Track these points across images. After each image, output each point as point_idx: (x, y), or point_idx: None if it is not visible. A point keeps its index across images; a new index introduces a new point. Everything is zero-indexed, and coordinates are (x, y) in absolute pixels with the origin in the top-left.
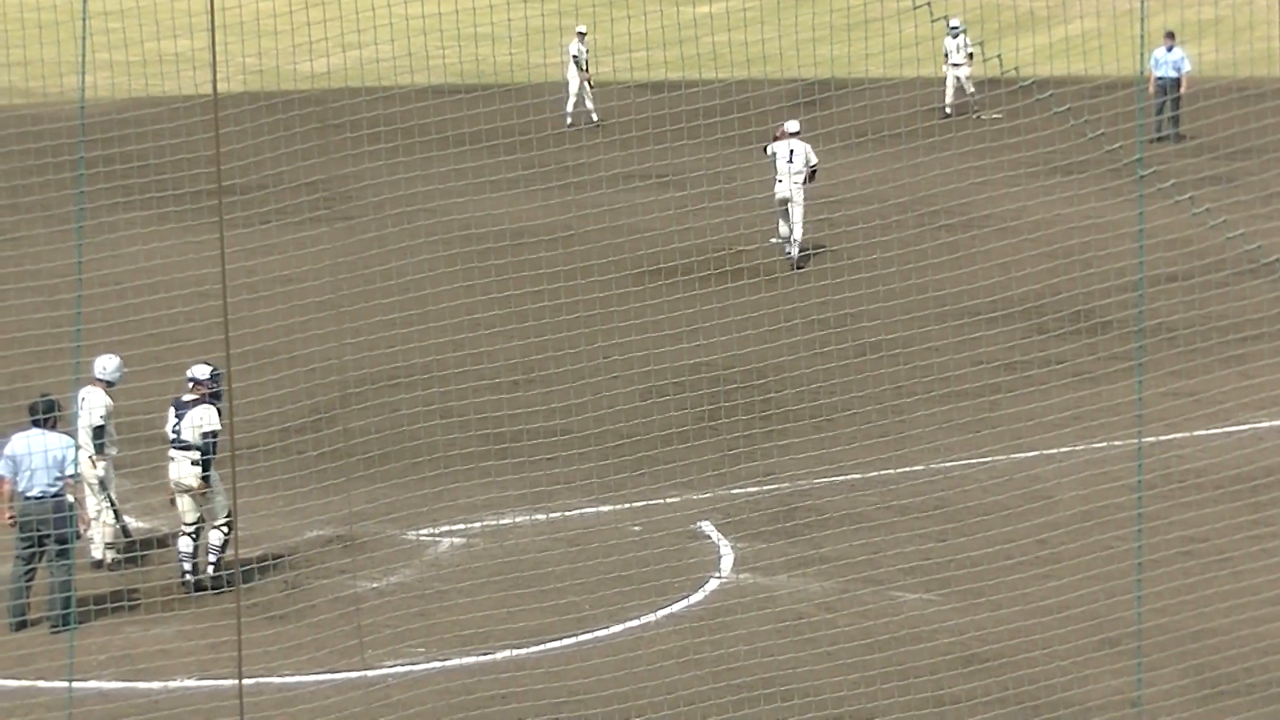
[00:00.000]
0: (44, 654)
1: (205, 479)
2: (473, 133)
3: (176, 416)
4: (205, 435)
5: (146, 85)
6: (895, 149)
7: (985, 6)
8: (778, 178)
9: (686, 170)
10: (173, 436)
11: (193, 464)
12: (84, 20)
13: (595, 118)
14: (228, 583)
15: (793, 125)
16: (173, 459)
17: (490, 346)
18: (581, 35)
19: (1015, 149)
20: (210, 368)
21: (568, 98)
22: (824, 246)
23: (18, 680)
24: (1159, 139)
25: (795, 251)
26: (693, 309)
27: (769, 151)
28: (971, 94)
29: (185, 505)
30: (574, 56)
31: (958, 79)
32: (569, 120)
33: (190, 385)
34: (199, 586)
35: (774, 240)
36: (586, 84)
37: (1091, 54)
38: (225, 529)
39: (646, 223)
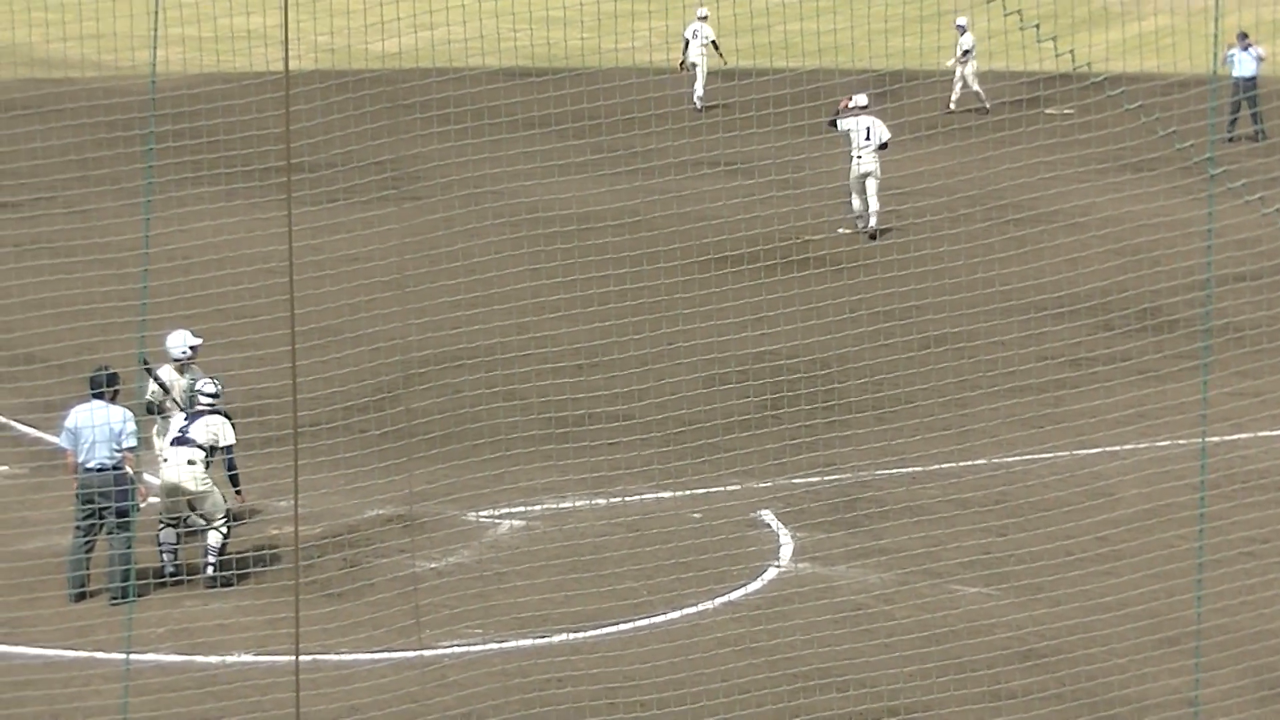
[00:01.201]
0: (102, 626)
1: (205, 480)
2: (542, 116)
3: (187, 419)
4: (227, 449)
5: (218, 61)
6: (965, 141)
7: (1059, 2)
8: (855, 154)
9: (755, 158)
10: (176, 436)
11: (190, 463)
12: None
13: (699, 102)
14: (223, 583)
15: (861, 99)
16: (166, 460)
17: (554, 330)
18: (704, 18)
19: (1086, 145)
20: (216, 384)
21: (696, 79)
22: (891, 238)
23: (76, 651)
24: (1231, 139)
25: (875, 222)
26: (758, 297)
27: (839, 126)
28: (977, 91)
29: (174, 508)
30: (695, 39)
31: (964, 77)
32: (699, 105)
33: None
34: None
35: (850, 217)
36: (704, 67)
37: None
38: (224, 529)
39: (714, 210)
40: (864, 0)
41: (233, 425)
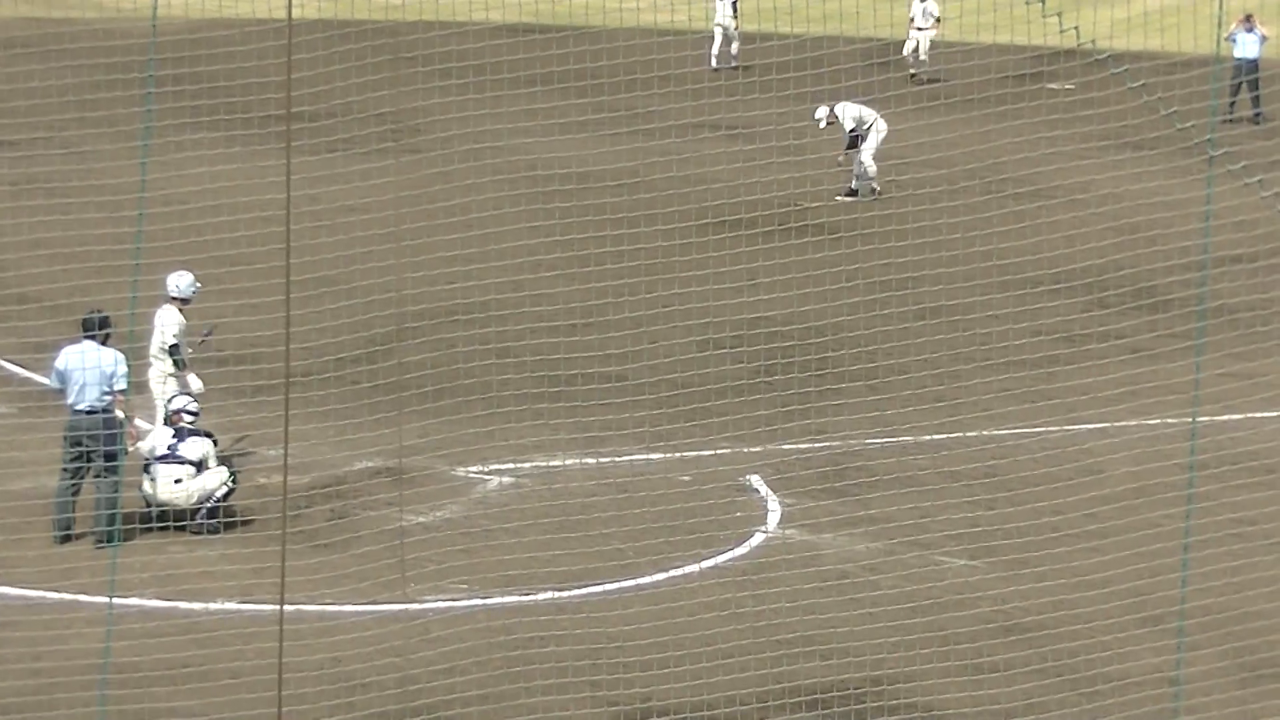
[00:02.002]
0: (87, 569)
1: (194, 493)
2: (545, 73)
3: (175, 438)
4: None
5: (220, 6)
6: (966, 114)
7: None
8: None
9: (756, 123)
10: (164, 453)
11: (177, 481)
12: None
13: (735, 60)
14: (210, 530)
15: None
16: (154, 478)
17: (550, 289)
18: None
19: (1086, 121)
20: (194, 404)
21: (714, 41)
22: (890, 207)
23: (59, 594)
24: (1231, 120)
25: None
26: (754, 263)
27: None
28: (924, 60)
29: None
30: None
31: (917, 43)
32: (715, 64)
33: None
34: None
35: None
36: (734, 27)
37: (1168, 30)
38: (231, 484)
39: (714, 174)
40: None
41: (214, 442)
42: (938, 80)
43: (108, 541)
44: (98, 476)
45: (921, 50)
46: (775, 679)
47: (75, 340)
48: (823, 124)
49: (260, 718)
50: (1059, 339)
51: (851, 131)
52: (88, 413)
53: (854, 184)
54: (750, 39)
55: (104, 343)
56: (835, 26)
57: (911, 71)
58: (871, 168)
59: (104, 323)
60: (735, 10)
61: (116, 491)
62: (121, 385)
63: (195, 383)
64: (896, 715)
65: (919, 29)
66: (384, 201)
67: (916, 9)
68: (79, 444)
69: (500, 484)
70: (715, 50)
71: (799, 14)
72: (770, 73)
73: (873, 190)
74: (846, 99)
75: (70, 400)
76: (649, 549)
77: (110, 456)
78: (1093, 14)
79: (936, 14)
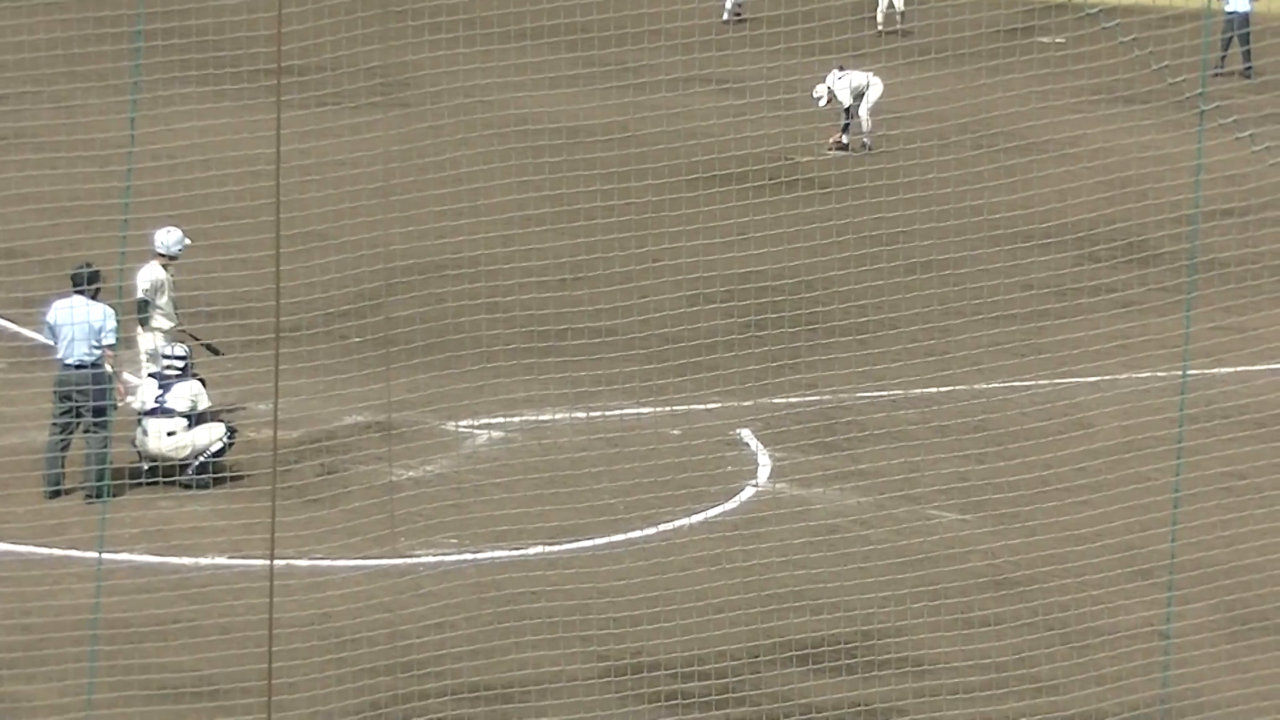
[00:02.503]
0: (77, 524)
1: (186, 444)
2: (535, 27)
3: (161, 388)
4: (203, 412)
5: None
6: (957, 69)
7: None
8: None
9: (747, 78)
10: (153, 406)
11: (170, 434)
12: None
13: (740, 12)
14: (199, 486)
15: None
16: (146, 432)
17: (540, 244)
18: None
19: (1078, 76)
20: (185, 348)
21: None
22: (881, 161)
23: (49, 549)
24: (1221, 73)
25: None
26: (745, 217)
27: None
28: (900, 14)
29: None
30: None
31: (890, 2)
32: (726, 17)
33: (164, 361)
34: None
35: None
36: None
37: None
38: (228, 436)
39: (704, 128)
40: None
41: (204, 385)
42: (911, 34)
43: (97, 496)
44: (87, 431)
45: (898, 4)
46: (766, 633)
47: (65, 295)
48: (822, 103)
49: (251, 673)
50: (1049, 293)
51: (848, 107)
52: (76, 367)
53: (844, 138)
54: None
55: (94, 297)
56: None
57: (881, 28)
58: (867, 123)
59: (93, 277)
60: None
61: (106, 446)
62: (110, 340)
63: (145, 342)
64: (887, 669)
65: None
66: (374, 156)
67: None
68: (68, 399)
69: (490, 438)
70: (729, 3)
71: None
72: (760, 27)
73: (864, 145)
74: (838, 67)
75: (59, 355)
76: (639, 504)
77: (99, 411)
78: None
79: None
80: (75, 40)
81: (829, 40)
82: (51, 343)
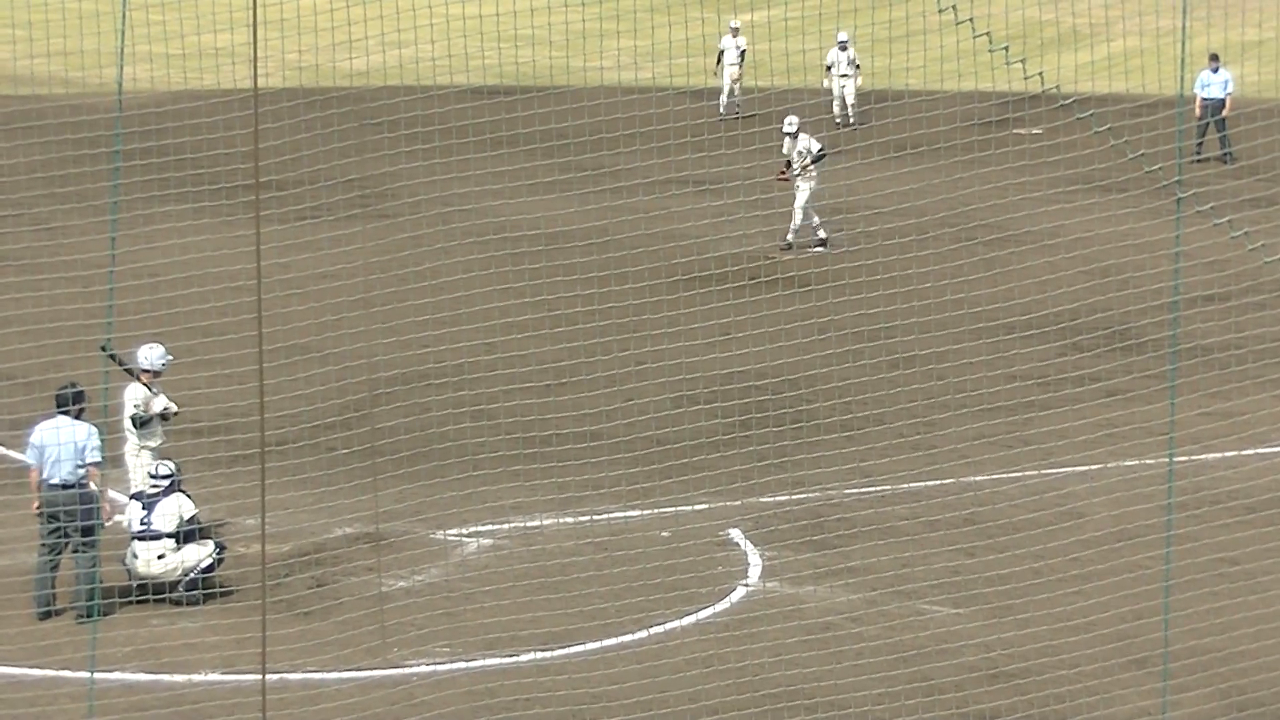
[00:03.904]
0: (68, 645)
1: (176, 566)
2: (512, 135)
3: (145, 508)
4: (190, 520)
5: (187, 79)
6: (935, 163)
7: (1028, 22)
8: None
9: (725, 178)
10: (139, 530)
11: (160, 557)
12: (124, 12)
13: (737, 109)
14: (190, 602)
15: (792, 121)
16: (136, 555)
17: (524, 350)
18: (735, 30)
19: (1055, 166)
20: (170, 466)
21: (722, 90)
22: (861, 257)
23: (41, 670)
24: (1199, 160)
25: (792, 237)
26: (727, 317)
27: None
28: (851, 105)
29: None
30: (728, 50)
31: (843, 90)
32: (723, 110)
33: (150, 480)
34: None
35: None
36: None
37: (1134, 73)
38: (218, 552)
39: (683, 230)
40: (833, 21)
41: (189, 496)
42: (883, 124)
43: (88, 616)
44: (75, 551)
45: (849, 97)
46: None
47: (50, 415)
48: (791, 127)
49: None
50: (1034, 383)
51: (819, 153)
52: (62, 487)
53: (789, 238)
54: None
55: (77, 417)
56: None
57: (837, 121)
58: (798, 218)
59: (77, 397)
60: (741, 61)
61: (95, 566)
62: (95, 458)
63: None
64: None
65: (843, 76)
66: (355, 267)
67: (837, 57)
68: (55, 519)
69: (480, 546)
70: (724, 99)
71: (764, 68)
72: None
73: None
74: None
75: (45, 475)
76: (631, 607)
77: (87, 531)
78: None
79: (858, 62)
80: (55, 162)
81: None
82: (34, 463)
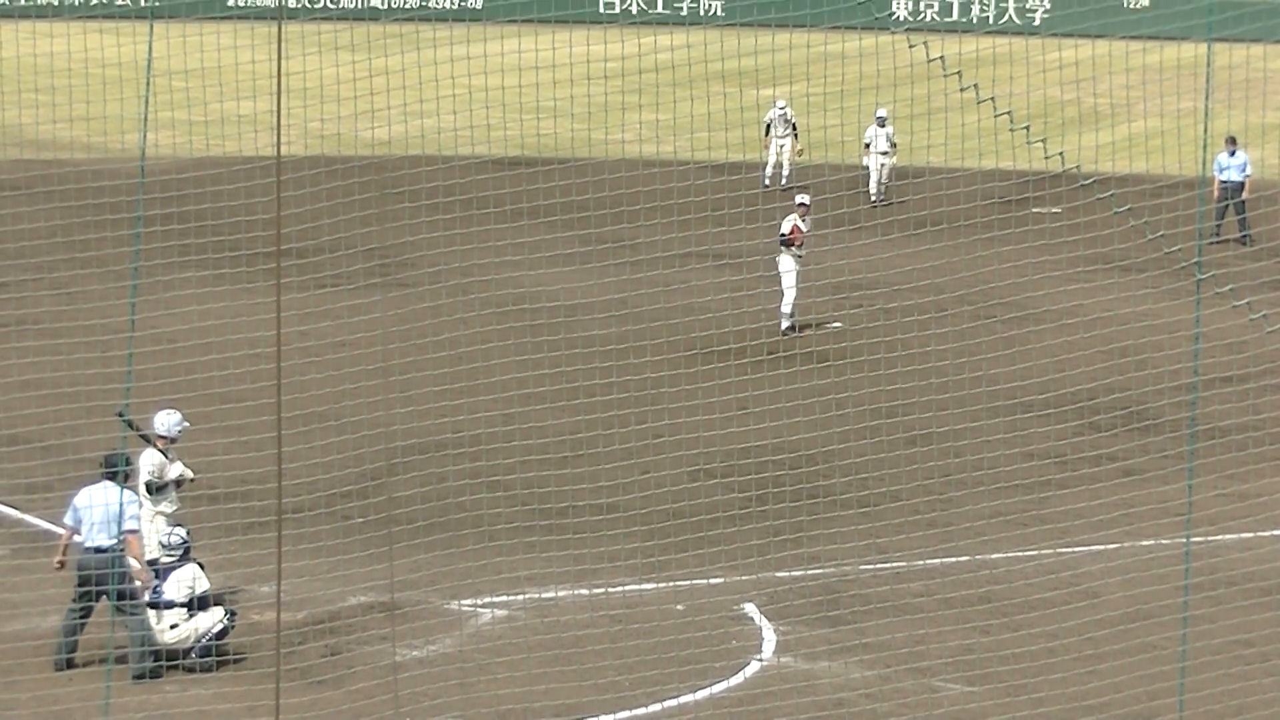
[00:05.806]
0: (80, 710)
1: (188, 635)
2: (532, 206)
3: (158, 576)
4: (203, 595)
5: (209, 145)
6: (955, 240)
7: (1049, 102)
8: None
9: (744, 252)
10: (151, 600)
11: (173, 627)
12: (148, 78)
13: (785, 181)
14: (203, 669)
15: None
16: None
17: (541, 421)
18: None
19: (1074, 245)
20: (183, 534)
21: (767, 163)
22: (879, 335)
23: None
24: (1218, 241)
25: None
26: (744, 391)
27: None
28: (884, 184)
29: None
30: (774, 121)
31: (880, 167)
32: (767, 183)
33: (162, 549)
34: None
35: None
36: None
37: (1154, 154)
38: (229, 618)
39: (702, 303)
40: (855, 97)
41: (201, 566)
42: (904, 201)
43: (148, 676)
44: (121, 615)
45: (885, 176)
46: None
47: (95, 480)
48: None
49: None
50: (1051, 462)
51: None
52: (96, 551)
53: (785, 321)
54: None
55: (122, 482)
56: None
57: (872, 198)
58: (788, 301)
59: (126, 461)
60: (795, 133)
61: (146, 629)
62: (132, 525)
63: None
64: None
65: (882, 154)
66: (374, 336)
67: (875, 133)
68: (87, 582)
69: (494, 616)
70: (769, 171)
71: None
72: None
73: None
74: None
75: (81, 539)
76: (644, 680)
77: (127, 595)
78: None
79: (895, 140)
80: (75, 227)
81: (823, 215)
82: (70, 525)
